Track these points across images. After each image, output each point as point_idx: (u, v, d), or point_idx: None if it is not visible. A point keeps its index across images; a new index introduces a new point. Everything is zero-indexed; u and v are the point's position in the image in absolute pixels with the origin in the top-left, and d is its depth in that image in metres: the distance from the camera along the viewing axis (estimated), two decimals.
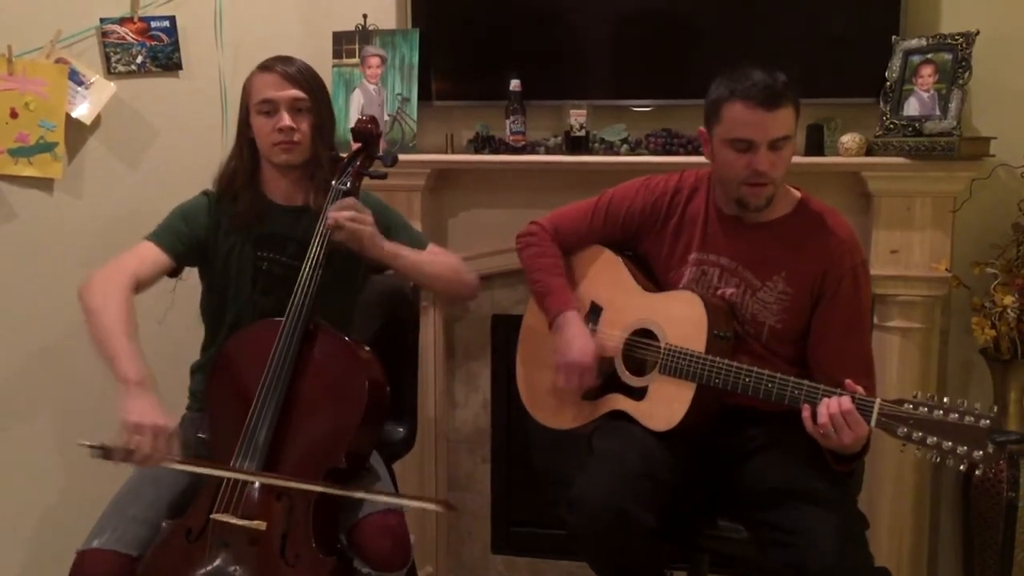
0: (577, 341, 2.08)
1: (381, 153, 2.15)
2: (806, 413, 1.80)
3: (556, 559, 2.93)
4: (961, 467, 1.68)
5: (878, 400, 1.76)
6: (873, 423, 1.75)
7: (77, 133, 2.65)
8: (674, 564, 2.11)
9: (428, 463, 2.89)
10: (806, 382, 1.85)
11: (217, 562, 1.78)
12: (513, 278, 2.78)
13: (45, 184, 2.64)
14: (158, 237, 2.07)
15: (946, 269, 2.46)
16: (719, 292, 2.05)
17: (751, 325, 2.03)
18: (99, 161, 2.69)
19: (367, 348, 2.04)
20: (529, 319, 2.31)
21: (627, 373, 2.10)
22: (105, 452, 1.75)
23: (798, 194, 2.07)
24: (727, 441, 2.01)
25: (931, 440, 1.69)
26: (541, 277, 2.20)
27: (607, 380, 2.12)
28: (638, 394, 2.06)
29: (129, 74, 2.69)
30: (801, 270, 1.99)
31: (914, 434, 1.71)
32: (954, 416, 1.69)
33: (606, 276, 2.19)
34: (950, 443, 1.68)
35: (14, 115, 2.56)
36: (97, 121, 2.67)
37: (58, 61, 2.59)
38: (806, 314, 2.01)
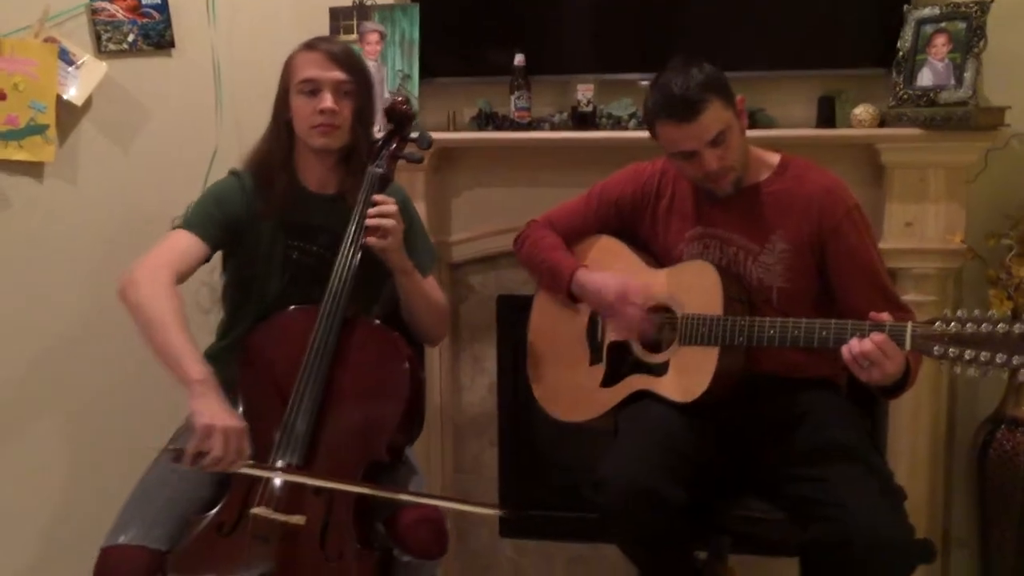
0: (607, 278, 2.06)
1: (416, 135, 2.09)
2: (845, 351, 1.77)
3: (565, 542, 2.89)
4: (1003, 375, 1.65)
5: (909, 323, 1.73)
6: (908, 345, 1.72)
7: (68, 115, 2.56)
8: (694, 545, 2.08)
9: (434, 447, 2.85)
10: (833, 321, 1.82)
11: (256, 557, 1.73)
12: None
13: (35, 169, 2.55)
14: (192, 226, 1.99)
15: (961, 241, 2.43)
16: (724, 263, 2.03)
17: (759, 291, 2.01)
18: (91, 143, 2.61)
19: (404, 338, 2.00)
20: (536, 320, 2.27)
21: (645, 351, 2.07)
22: (177, 455, 1.73)
23: (776, 155, 2.07)
24: (754, 416, 1.98)
25: (968, 354, 1.66)
26: (544, 257, 2.18)
27: (623, 364, 2.09)
28: (659, 370, 2.03)
29: (120, 53, 2.61)
30: (795, 225, 1.98)
31: (950, 351, 1.67)
32: (987, 327, 1.66)
33: (610, 260, 2.17)
34: (988, 353, 1.65)
35: (3, 97, 2.48)
36: (89, 102, 2.58)
37: (47, 40, 2.50)
38: (812, 271, 1.99)
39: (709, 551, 2.15)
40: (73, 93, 2.54)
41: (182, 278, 1.93)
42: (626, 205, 2.16)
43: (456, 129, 2.75)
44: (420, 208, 2.65)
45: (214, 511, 1.81)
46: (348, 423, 1.86)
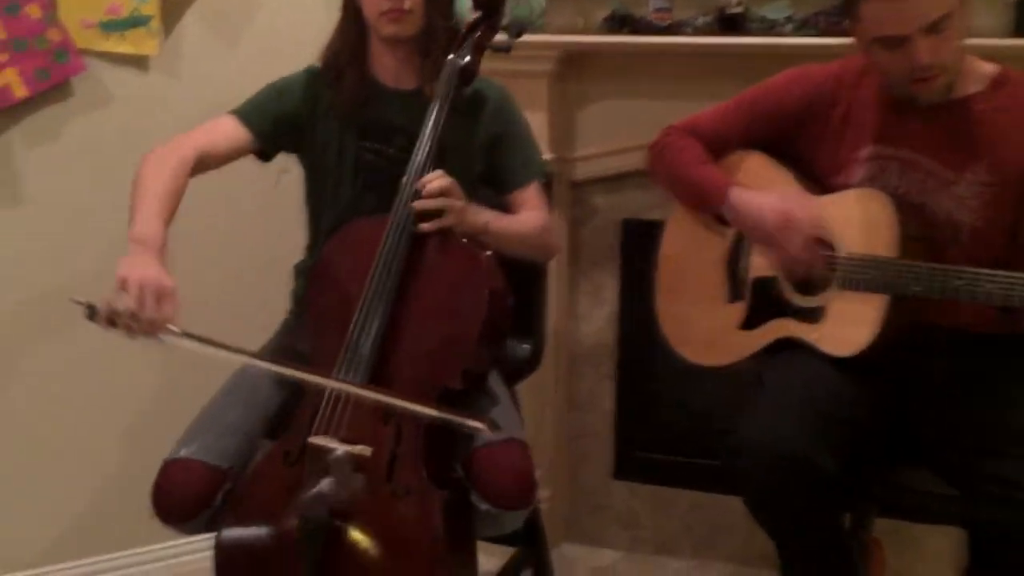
0: (768, 200, 1.80)
1: (505, 23, 1.88)
2: None
3: (684, 488, 2.69)
4: None
5: None
6: None
7: (173, 5, 2.41)
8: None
9: (547, 380, 2.66)
10: None
11: (316, 490, 1.57)
12: (648, 178, 2.48)
13: (140, 62, 2.41)
14: (241, 111, 1.91)
15: None
16: (901, 191, 1.75)
17: (946, 227, 1.73)
18: (197, 37, 2.45)
19: (487, 252, 1.80)
20: (667, 247, 2.03)
21: (795, 293, 1.82)
22: (91, 311, 1.55)
23: (993, 66, 1.75)
24: (925, 375, 1.72)
25: None
26: (688, 171, 1.92)
27: (768, 304, 1.85)
28: (812, 316, 1.78)
29: None
30: (1009, 154, 1.69)
31: None
32: None
33: (761, 182, 1.89)
34: None
35: None
36: None
37: None
38: (1014, 207, 1.70)
39: (853, 519, 1.92)
40: None
41: (209, 160, 1.84)
42: (789, 113, 1.88)
43: (586, 32, 2.51)
44: (540, 120, 2.45)
45: (281, 439, 1.71)
46: (418, 344, 1.71)
